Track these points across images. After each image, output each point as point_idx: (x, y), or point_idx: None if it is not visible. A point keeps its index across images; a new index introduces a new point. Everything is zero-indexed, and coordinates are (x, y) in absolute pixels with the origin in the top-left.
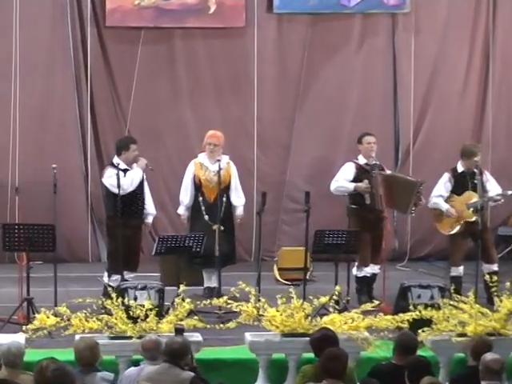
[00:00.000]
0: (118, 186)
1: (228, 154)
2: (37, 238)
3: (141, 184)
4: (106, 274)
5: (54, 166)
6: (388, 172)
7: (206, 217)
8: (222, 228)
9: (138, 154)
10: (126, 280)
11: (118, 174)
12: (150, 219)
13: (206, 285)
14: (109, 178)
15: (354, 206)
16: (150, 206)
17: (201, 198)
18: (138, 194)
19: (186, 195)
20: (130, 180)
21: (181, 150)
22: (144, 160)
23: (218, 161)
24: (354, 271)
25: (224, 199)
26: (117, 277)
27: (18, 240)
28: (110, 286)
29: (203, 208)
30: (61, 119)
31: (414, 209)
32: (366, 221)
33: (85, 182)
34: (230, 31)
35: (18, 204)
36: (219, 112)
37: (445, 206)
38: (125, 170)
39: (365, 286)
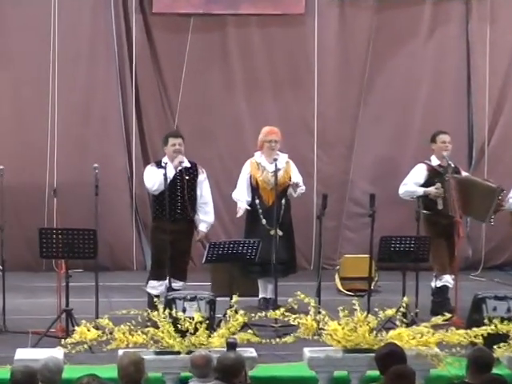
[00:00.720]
0: (165, 187)
1: (286, 152)
2: (77, 243)
3: (181, 185)
4: None
5: (95, 165)
6: (464, 175)
7: (264, 221)
8: (281, 233)
9: (179, 150)
10: (174, 289)
11: (165, 175)
12: (203, 227)
13: (261, 295)
14: (144, 176)
15: (425, 212)
16: (205, 213)
17: (257, 201)
18: (178, 195)
19: (243, 193)
20: (155, 179)
21: (234, 149)
22: (180, 157)
23: (275, 160)
24: (433, 284)
25: (283, 202)
26: (154, 283)
27: (57, 246)
28: (155, 295)
29: (260, 211)
30: (103, 115)
31: (493, 217)
32: (439, 227)
33: (129, 183)
34: (288, 18)
35: (56, 207)
36: (276, 107)
37: None
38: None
39: (445, 299)
